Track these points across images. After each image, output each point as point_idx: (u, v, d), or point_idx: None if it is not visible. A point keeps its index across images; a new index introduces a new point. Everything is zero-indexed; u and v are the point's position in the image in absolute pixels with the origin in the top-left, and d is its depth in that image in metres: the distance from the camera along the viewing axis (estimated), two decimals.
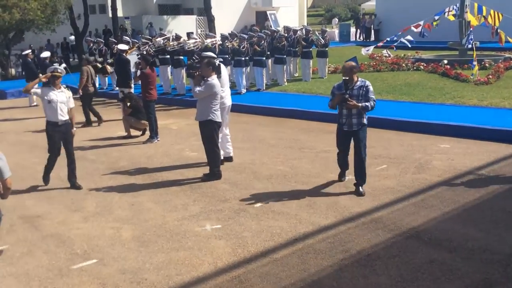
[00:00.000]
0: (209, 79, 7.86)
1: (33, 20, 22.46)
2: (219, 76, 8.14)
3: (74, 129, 8.06)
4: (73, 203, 7.32)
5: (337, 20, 43.20)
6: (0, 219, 5.64)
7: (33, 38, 29.96)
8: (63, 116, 7.69)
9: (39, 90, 7.76)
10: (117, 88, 14.04)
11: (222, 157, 8.87)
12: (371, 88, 7.02)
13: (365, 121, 7.19)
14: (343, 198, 7.07)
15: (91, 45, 19.35)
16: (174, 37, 16.76)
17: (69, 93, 7.85)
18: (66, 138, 7.84)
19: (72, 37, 30.70)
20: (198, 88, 7.90)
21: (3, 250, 5.80)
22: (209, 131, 8.05)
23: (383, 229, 6.02)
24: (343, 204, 6.83)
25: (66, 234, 6.22)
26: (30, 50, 17.34)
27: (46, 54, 15.37)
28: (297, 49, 17.94)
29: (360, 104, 6.93)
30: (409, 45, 18.04)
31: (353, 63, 7.05)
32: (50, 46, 30.06)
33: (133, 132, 11.39)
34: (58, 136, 7.77)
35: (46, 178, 8.14)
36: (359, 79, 7.09)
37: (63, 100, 7.67)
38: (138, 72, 11.05)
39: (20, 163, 9.49)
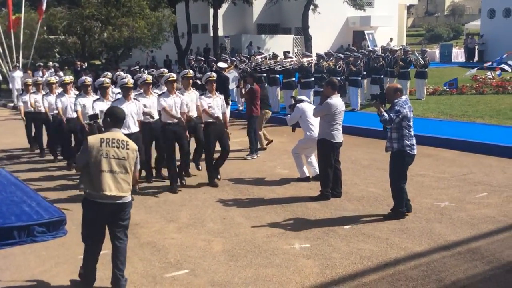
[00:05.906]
0: (328, 99, 7.83)
1: (140, 38, 23.82)
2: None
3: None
4: (168, 214, 7.64)
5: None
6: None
7: (140, 55, 31.82)
8: None
9: None
10: None
11: (310, 176, 8.92)
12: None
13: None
14: (438, 225, 6.79)
15: (192, 62, 20.18)
16: (271, 56, 17.09)
17: None
18: None
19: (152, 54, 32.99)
20: (317, 107, 8.10)
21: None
22: (323, 150, 8.00)
23: (481, 260, 5.71)
24: (438, 231, 6.56)
25: (161, 243, 6.50)
26: (137, 67, 18.42)
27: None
28: (394, 69, 17.60)
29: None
30: (509, 70, 17.12)
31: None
32: (155, 63, 31.76)
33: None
34: None
35: None
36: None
37: None
38: (243, 90, 11.49)
39: None
